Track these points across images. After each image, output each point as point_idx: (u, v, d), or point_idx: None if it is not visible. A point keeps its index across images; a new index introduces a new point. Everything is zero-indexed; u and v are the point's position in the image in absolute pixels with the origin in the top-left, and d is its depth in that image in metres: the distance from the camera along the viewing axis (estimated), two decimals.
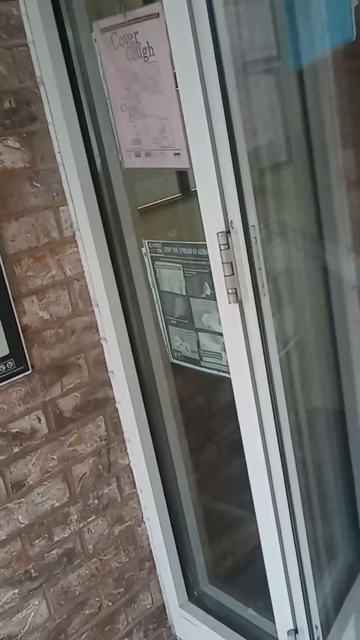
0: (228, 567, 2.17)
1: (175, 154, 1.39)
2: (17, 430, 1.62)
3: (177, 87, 1.25)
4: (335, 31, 1.41)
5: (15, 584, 1.66)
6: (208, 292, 1.53)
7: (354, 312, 1.80)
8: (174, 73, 1.24)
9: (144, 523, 1.96)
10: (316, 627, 1.56)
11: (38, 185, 1.60)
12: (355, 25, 1.38)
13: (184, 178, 1.86)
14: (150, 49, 1.33)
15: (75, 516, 1.78)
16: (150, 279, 1.71)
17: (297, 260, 1.73)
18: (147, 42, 1.33)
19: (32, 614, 1.71)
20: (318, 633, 1.57)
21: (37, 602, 1.72)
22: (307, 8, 1.40)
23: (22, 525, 1.66)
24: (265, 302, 1.30)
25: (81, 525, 1.79)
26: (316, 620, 1.56)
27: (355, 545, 2.01)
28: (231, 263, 1.27)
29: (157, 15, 1.27)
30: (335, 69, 1.61)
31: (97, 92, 1.57)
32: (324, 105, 1.65)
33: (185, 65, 1.18)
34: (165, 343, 1.76)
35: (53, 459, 1.70)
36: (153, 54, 1.33)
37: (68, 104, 1.57)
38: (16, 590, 1.67)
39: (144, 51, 1.35)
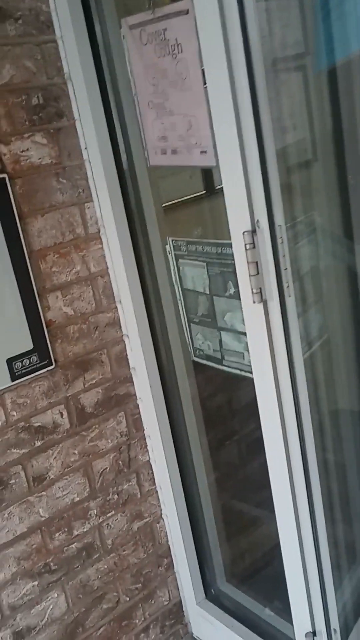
0: (246, 566, 2.17)
1: (201, 152, 1.38)
2: (40, 424, 1.63)
3: (205, 84, 1.25)
4: (356, 37, 1.39)
5: (35, 576, 1.68)
6: (232, 291, 1.52)
7: None
8: (202, 70, 1.24)
9: (163, 520, 1.96)
10: (335, 630, 1.55)
11: (64, 181, 1.60)
12: None
13: (208, 175, 1.86)
14: (179, 45, 1.33)
15: (95, 511, 1.79)
16: (173, 277, 1.71)
17: (325, 260, 1.72)
18: (176, 38, 1.33)
19: (51, 607, 1.73)
20: (337, 637, 1.56)
21: (56, 595, 1.74)
22: (337, 7, 1.39)
23: (43, 519, 1.67)
24: (291, 302, 1.29)
25: (100, 520, 1.80)
26: (335, 624, 1.55)
27: None
28: (256, 262, 1.26)
29: (187, 12, 1.26)
30: None
31: (124, 89, 1.57)
32: (356, 103, 1.63)
33: (214, 63, 1.17)
34: (187, 341, 1.76)
35: (74, 453, 1.71)
36: (181, 51, 1.33)
37: (95, 101, 1.57)
38: (36, 583, 1.68)
39: (172, 48, 1.34)
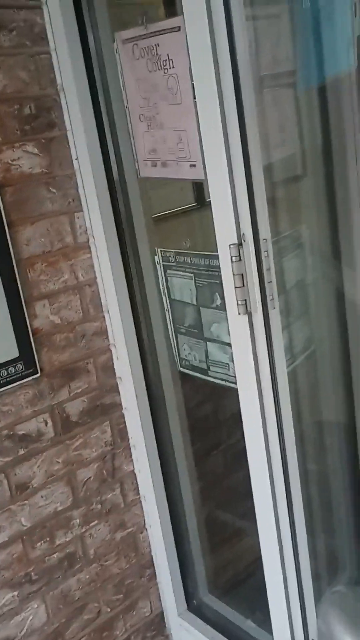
0: (228, 577, 2.17)
1: (191, 166, 1.40)
2: (24, 432, 1.63)
3: (195, 99, 1.27)
4: (339, 57, 1.42)
5: (15, 586, 1.67)
6: (218, 302, 1.54)
7: None
8: (192, 86, 1.26)
9: (146, 530, 1.96)
10: None
11: (54, 190, 1.62)
12: (357, 54, 1.40)
13: (199, 188, 1.88)
14: (171, 61, 1.35)
15: (78, 520, 1.78)
16: (161, 287, 1.72)
17: (312, 274, 1.74)
18: (168, 54, 1.35)
19: (31, 617, 1.72)
20: None
21: (36, 606, 1.73)
22: (317, 28, 1.42)
23: (25, 528, 1.67)
24: (275, 315, 1.30)
25: (83, 529, 1.80)
26: (314, 635, 1.55)
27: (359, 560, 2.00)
28: (242, 275, 1.28)
29: (178, 28, 1.29)
30: (358, 84, 1.61)
31: (116, 102, 1.59)
32: (346, 121, 1.66)
33: (203, 79, 1.20)
34: (174, 351, 1.77)
35: (58, 462, 1.71)
36: (173, 67, 1.35)
37: (87, 112, 1.59)
38: (15, 593, 1.67)
39: (164, 63, 1.37)
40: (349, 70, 1.45)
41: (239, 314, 1.30)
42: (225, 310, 1.35)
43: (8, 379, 1.57)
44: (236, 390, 1.41)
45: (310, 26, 1.41)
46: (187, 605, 2.03)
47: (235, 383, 1.40)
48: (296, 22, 1.45)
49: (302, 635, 1.51)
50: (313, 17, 1.40)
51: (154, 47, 1.38)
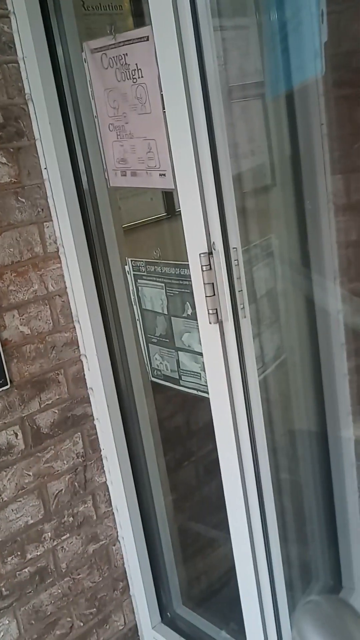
0: (202, 588, 2.16)
1: (160, 175, 1.40)
2: None
3: (164, 109, 1.27)
4: (309, 63, 1.45)
5: None
6: (189, 311, 1.54)
7: (338, 335, 1.81)
8: (162, 95, 1.26)
9: (119, 542, 1.94)
10: None
11: (23, 200, 1.60)
12: (326, 58, 1.42)
13: (169, 198, 1.88)
14: (139, 70, 1.35)
15: (49, 534, 1.76)
16: (132, 297, 1.72)
17: (282, 283, 1.75)
18: (136, 64, 1.35)
19: (2, 634, 1.68)
20: None
21: (7, 622, 1.69)
22: (284, 39, 1.44)
23: None
24: (246, 323, 1.31)
25: (55, 543, 1.77)
26: None
27: (334, 568, 2.00)
28: (212, 284, 1.28)
29: (147, 38, 1.29)
30: (325, 96, 1.64)
31: (85, 111, 1.59)
32: (314, 131, 1.68)
33: (172, 88, 1.20)
34: (146, 361, 1.76)
35: (29, 475, 1.69)
36: (142, 76, 1.35)
37: (56, 121, 1.58)
38: None
39: (133, 73, 1.37)
40: (317, 77, 1.47)
41: (210, 323, 1.30)
42: (196, 319, 1.35)
43: None
44: (208, 399, 1.41)
45: (278, 35, 1.43)
46: (161, 617, 2.01)
47: (207, 392, 1.40)
48: (264, 33, 1.47)
49: None
50: (281, 26, 1.42)
51: (123, 56, 1.38)
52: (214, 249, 1.25)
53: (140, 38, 1.32)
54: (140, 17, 1.39)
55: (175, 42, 1.15)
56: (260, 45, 1.49)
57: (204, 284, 1.28)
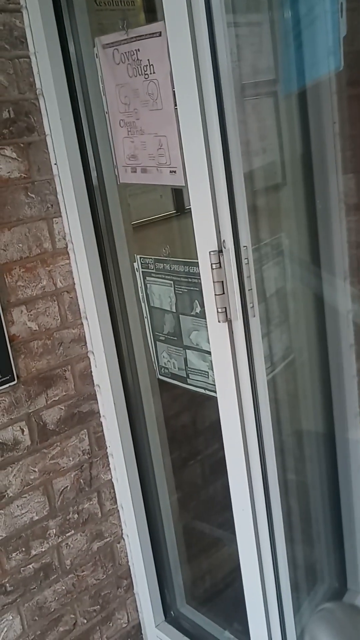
0: (206, 588, 2.15)
1: (171, 172, 1.39)
2: (0, 440, 1.60)
3: (175, 105, 1.26)
4: (325, 59, 1.43)
5: None
6: (198, 310, 1.53)
7: (347, 336, 1.80)
8: (174, 92, 1.25)
9: (124, 540, 1.94)
10: None
11: (33, 195, 1.60)
12: (343, 55, 1.41)
13: (179, 195, 1.87)
14: (151, 66, 1.34)
15: (54, 530, 1.75)
16: (140, 295, 1.71)
17: (292, 282, 1.74)
18: (148, 59, 1.34)
19: (5, 629, 1.68)
20: None
21: (11, 617, 1.69)
22: (299, 36, 1.43)
23: (0, 538, 1.64)
24: (255, 322, 1.30)
25: (60, 539, 1.77)
26: None
27: (339, 571, 1.99)
28: (222, 282, 1.27)
29: (159, 34, 1.28)
30: (338, 94, 1.63)
31: (96, 107, 1.58)
32: (326, 129, 1.67)
33: (184, 85, 1.19)
34: (153, 359, 1.76)
35: (34, 471, 1.68)
36: (154, 72, 1.34)
37: (67, 117, 1.58)
38: None
39: (145, 69, 1.36)
40: (334, 73, 1.45)
41: (219, 321, 1.29)
42: (204, 317, 1.34)
43: None
44: (216, 398, 1.40)
45: (293, 30, 1.42)
46: (165, 616, 2.01)
47: (215, 391, 1.39)
48: (279, 26, 1.46)
49: None
50: (296, 21, 1.41)
51: (135, 52, 1.37)
52: (224, 247, 1.24)
53: (153, 34, 1.31)
54: (152, 12, 1.38)
55: (188, 38, 1.14)
56: (274, 41, 1.48)
57: (214, 282, 1.27)
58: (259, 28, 1.46)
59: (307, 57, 1.43)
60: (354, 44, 1.53)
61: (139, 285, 1.70)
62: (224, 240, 1.24)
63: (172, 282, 1.59)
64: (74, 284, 1.71)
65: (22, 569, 1.70)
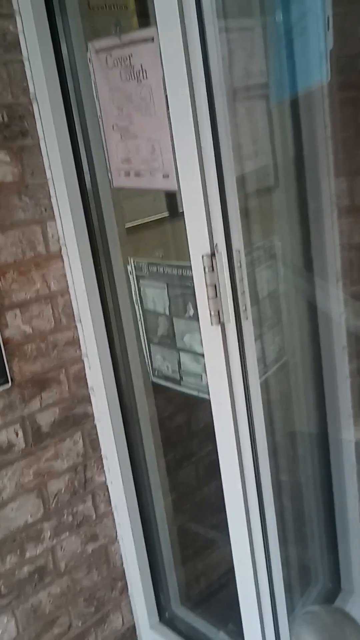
0: (201, 589, 2.16)
1: (164, 176, 1.40)
2: None
3: (168, 110, 1.27)
4: (312, 71, 1.45)
5: None
6: (191, 312, 1.54)
7: (340, 338, 1.82)
8: (166, 96, 1.26)
9: (118, 542, 1.94)
10: None
11: (26, 199, 1.60)
12: (330, 67, 1.42)
13: (172, 199, 1.88)
14: (144, 71, 1.35)
15: (49, 533, 1.76)
16: (134, 297, 1.72)
17: (284, 285, 1.75)
18: (141, 64, 1.35)
19: (0, 632, 1.69)
20: None
21: (6, 620, 1.69)
22: (288, 45, 1.44)
23: None
24: (247, 325, 1.31)
25: (54, 542, 1.78)
26: None
27: (333, 571, 2.00)
28: (215, 285, 1.28)
29: (152, 39, 1.29)
30: (330, 98, 1.64)
31: (89, 111, 1.59)
32: (318, 132, 1.68)
33: (176, 90, 1.20)
34: (147, 362, 1.76)
35: (29, 474, 1.69)
36: (146, 77, 1.35)
37: (60, 121, 1.58)
38: None
39: (138, 73, 1.37)
40: (322, 83, 1.47)
41: (212, 324, 1.30)
42: (198, 320, 1.35)
43: None
44: (209, 401, 1.41)
45: (283, 39, 1.43)
46: (160, 617, 2.01)
47: (208, 394, 1.40)
48: (269, 35, 1.47)
49: None
50: (286, 30, 1.42)
51: (128, 57, 1.38)
52: (217, 251, 1.25)
53: (145, 39, 1.32)
54: (145, 17, 1.39)
55: (180, 44, 1.15)
56: (266, 47, 1.49)
57: (207, 285, 1.28)
58: (251, 33, 1.47)
59: (298, 65, 1.45)
60: (345, 47, 1.55)
61: (133, 288, 1.71)
62: (216, 244, 1.25)
63: (165, 285, 1.60)
64: (68, 287, 1.72)
65: (16, 571, 1.70)
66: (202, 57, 1.13)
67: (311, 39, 1.39)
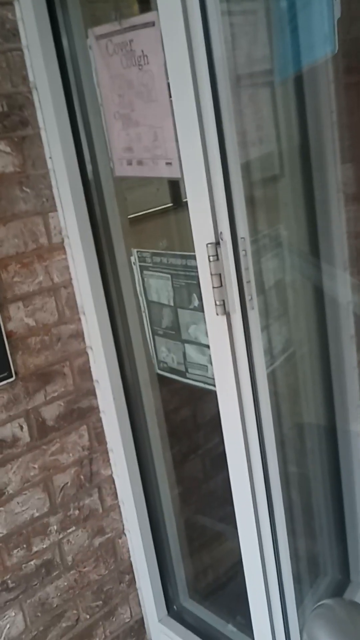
0: (209, 582, 2.15)
1: (167, 163, 1.38)
2: None
3: (170, 96, 1.24)
4: (319, 44, 1.41)
5: None
6: (196, 303, 1.52)
7: (348, 327, 1.79)
8: (168, 82, 1.24)
9: (125, 535, 1.93)
10: None
11: (28, 190, 1.58)
12: (341, 42, 1.38)
13: (175, 188, 1.86)
14: (145, 57, 1.33)
15: (55, 527, 1.75)
16: (138, 289, 1.70)
17: (291, 274, 1.73)
18: (142, 50, 1.32)
19: (8, 626, 1.68)
20: None
21: (14, 614, 1.69)
22: (292, 21, 1.40)
23: (0, 535, 1.63)
24: (253, 315, 1.28)
25: (61, 536, 1.77)
26: (295, 638, 1.53)
27: (342, 563, 1.99)
28: (220, 275, 1.26)
29: (153, 24, 1.26)
30: (336, 83, 1.61)
31: (90, 99, 1.57)
32: (324, 119, 1.65)
33: (179, 75, 1.17)
34: (152, 353, 1.75)
35: (34, 468, 1.68)
36: (148, 63, 1.32)
37: (61, 110, 1.56)
38: None
39: (139, 59, 1.34)
40: (330, 56, 1.43)
41: (217, 314, 1.28)
42: (203, 311, 1.33)
43: None
44: (215, 392, 1.39)
45: (286, 16, 1.39)
46: (168, 610, 2.01)
47: (214, 385, 1.38)
48: (273, 15, 1.44)
49: (284, 638, 1.50)
50: (289, 6, 1.38)
51: (128, 43, 1.35)
52: (222, 239, 1.23)
53: (146, 24, 1.29)
54: (146, 2, 1.36)
55: (182, 27, 1.12)
56: (269, 28, 1.46)
57: (211, 274, 1.26)
58: (253, 15, 1.44)
59: (303, 41, 1.41)
60: (351, 31, 1.51)
61: (137, 279, 1.69)
62: (221, 232, 1.23)
63: (169, 275, 1.58)
64: (71, 279, 1.70)
65: (23, 565, 1.69)
66: (205, 40, 1.10)
67: (317, 10, 1.35)
